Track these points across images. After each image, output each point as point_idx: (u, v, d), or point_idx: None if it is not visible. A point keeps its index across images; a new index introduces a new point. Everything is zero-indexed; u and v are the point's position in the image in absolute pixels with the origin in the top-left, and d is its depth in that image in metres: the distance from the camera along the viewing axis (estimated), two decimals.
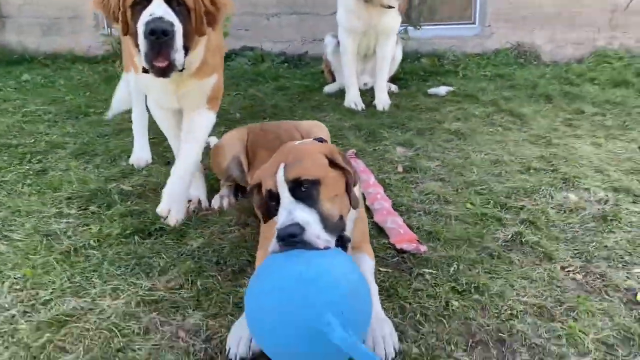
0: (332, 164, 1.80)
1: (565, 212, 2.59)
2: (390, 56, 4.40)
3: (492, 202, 2.69)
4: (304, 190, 1.70)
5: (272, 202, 1.77)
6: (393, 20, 4.21)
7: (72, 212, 2.60)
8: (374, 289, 1.87)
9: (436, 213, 2.60)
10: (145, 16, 2.12)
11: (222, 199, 2.73)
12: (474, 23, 6.27)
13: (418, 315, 1.88)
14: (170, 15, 2.14)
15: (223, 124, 3.79)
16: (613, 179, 2.92)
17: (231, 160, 2.64)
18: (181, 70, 2.28)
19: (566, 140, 3.52)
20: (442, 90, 4.62)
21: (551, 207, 2.63)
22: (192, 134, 2.59)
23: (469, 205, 2.66)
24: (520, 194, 2.77)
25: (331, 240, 1.67)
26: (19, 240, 2.33)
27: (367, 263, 1.98)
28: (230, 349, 1.67)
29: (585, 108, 4.15)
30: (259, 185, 1.88)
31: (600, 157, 3.23)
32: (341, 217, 1.76)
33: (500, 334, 1.79)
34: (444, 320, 1.85)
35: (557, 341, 1.75)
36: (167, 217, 2.47)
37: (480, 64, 5.63)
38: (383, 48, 4.32)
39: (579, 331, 1.77)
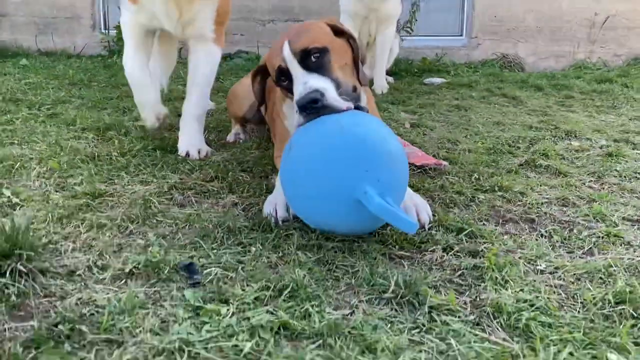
0: (336, 32, 1.78)
1: (571, 151, 2.70)
2: (389, 43, 4.56)
3: (500, 142, 2.78)
4: (315, 60, 1.67)
5: (282, 81, 1.74)
6: (393, 7, 4.39)
7: (90, 136, 2.59)
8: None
9: (449, 149, 2.68)
10: None
11: (237, 135, 2.76)
12: (461, 35, 6.55)
13: (447, 202, 1.92)
14: None
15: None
16: (610, 135, 3.05)
17: (249, 108, 2.59)
18: None
19: (561, 113, 3.67)
20: (437, 80, 4.79)
21: (556, 147, 2.73)
22: (200, 78, 2.52)
23: (479, 144, 2.75)
24: (526, 140, 2.87)
25: (351, 104, 1.63)
26: (40, 149, 2.31)
27: None
28: (269, 212, 1.67)
29: (575, 95, 4.34)
30: (263, 70, 1.86)
31: (595, 123, 3.37)
32: (355, 88, 1.72)
33: (528, 216, 1.83)
34: (473, 206, 1.90)
35: (584, 218, 1.81)
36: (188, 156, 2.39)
37: (469, 70, 5.85)
38: (383, 35, 4.49)
39: (605, 212, 1.84)
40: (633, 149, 2.78)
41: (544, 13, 6.34)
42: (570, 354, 1.04)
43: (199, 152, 2.39)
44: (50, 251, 1.39)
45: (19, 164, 2.07)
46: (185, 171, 2.14)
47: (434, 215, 1.74)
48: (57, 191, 1.86)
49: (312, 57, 1.66)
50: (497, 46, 6.39)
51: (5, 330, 1.06)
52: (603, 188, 2.14)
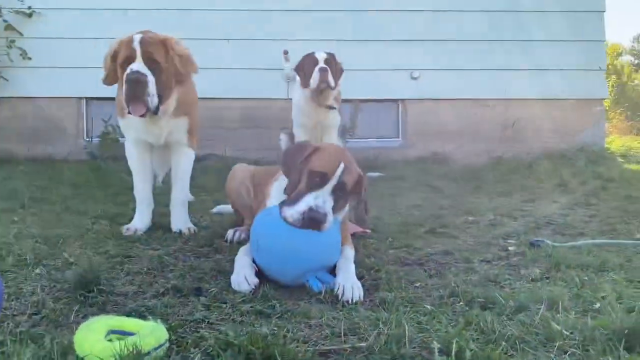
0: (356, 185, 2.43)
1: (466, 222, 3.67)
2: None
3: (413, 220, 3.73)
4: (339, 194, 2.31)
5: (315, 180, 2.27)
6: (334, 118, 5.51)
7: (104, 222, 3.41)
8: (352, 267, 2.34)
9: (375, 223, 3.60)
10: (127, 70, 2.93)
11: (236, 233, 3.08)
12: (398, 137, 7.75)
13: (367, 254, 2.81)
14: (144, 69, 2.93)
15: (202, 191, 4.77)
16: (500, 212, 4.05)
17: (240, 183, 3.17)
18: (155, 113, 3.02)
19: (468, 199, 4.69)
20: (374, 175, 5.84)
21: (456, 221, 3.70)
22: (181, 173, 3.42)
23: (398, 220, 3.70)
24: (434, 217, 3.84)
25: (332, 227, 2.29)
26: (72, 231, 3.12)
27: (349, 252, 2.47)
28: (239, 281, 2.20)
29: (482, 185, 5.42)
30: (314, 151, 2.37)
31: (492, 205, 4.39)
32: None
33: (420, 261, 2.74)
34: (384, 257, 2.79)
35: (456, 260, 2.73)
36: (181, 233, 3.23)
37: (404, 166, 6.94)
38: (328, 140, 5.56)
39: (469, 257, 2.76)
40: (512, 221, 3.78)
41: (464, 118, 7.63)
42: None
43: (189, 230, 3.25)
44: (110, 283, 2.20)
45: (62, 239, 2.89)
46: (183, 241, 2.98)
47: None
48: (96, 255, 2.66)
49: (339, 191, 2.31)
50: (429, 146, 7.57)
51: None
52: (477, 245, 3.07)
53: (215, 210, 3.99)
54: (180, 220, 3.32)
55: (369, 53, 7.45)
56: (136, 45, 2.97)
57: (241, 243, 2.97)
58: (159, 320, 1.66)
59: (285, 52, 7.19)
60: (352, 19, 7.50)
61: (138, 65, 2.96)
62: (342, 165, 2.29)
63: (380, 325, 1.73)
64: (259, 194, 2.98)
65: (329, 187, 2.27)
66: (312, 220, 2.20)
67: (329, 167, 2.29)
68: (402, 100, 7.69)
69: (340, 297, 2.10)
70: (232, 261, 2.53)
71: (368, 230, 3.26)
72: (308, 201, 2.23)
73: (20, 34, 7.32)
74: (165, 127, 3.27)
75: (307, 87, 5.24)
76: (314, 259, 2.28)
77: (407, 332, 1.61)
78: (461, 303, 2.03)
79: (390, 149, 7.52)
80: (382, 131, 7.80)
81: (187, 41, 3.27)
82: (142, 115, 3.01)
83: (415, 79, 7.58)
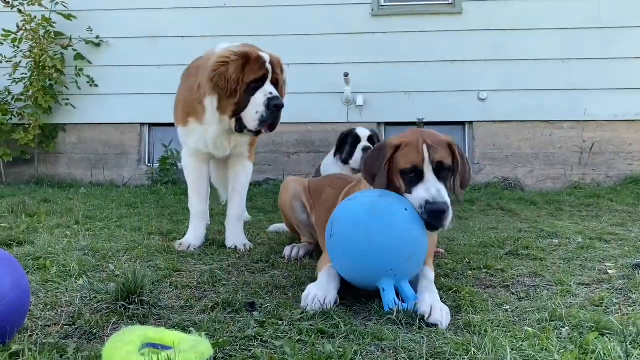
0: (453, 154, 2.10)
1: (551, 245, 3.25)
2: None
3: (490, 241, 3.34)
4: (444, 174, 2.02)
5: (412, 177, 2.01)
6: None
7: (157, 238, 3.23)
8: (436, 290, 1.99)
9: (447, 244, 3.25)
10: (266, 93, 2.81)
11: (294, 249, 2.83)
12: None
13: (441, 274, 2.47)
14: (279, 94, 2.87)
15: (260, 212, 4.55)
16: (588, 235, 3.59)
17: (293, 197, 2.95)
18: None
19: (550, 221, 4.25)
20: None
21: (539, 244, 3.29)
22: (239, 187, 3.21)
23: (473, 241, 3.32)
24: (514, 239, 3.43)
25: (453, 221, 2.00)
26: (122, 245, 2.94)
27: (430, 274, 2.12)
28: (315, 296, 1.89)
29: (564, 208, 4.95)
30: (392, 152, 2.07)
31: (577, 229, 3.93)
32: None
33: (505, 284, 2.37)
34: (462, 278, 2.44)
35: (547, 283, 2.34)
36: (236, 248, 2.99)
37: (472, 191, 6.53)
38: None
39: (564, 279, 2.37)
40: (605, 244, 3.32)
41: (537, 141, 7.14)
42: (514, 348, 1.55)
43: (244, 246, 3.01)
44: (155, 296, 1.97)
45: (110, 252, 2.71)
46: (237, 257, 2.74)
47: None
48: (144, 268, 2.45)
49: (441, 171, 2.02)
50: (498, 170, 7.13)
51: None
52: (569, 268, 2.67)
53: (271, 228, 3.75)
54: (235, 236, 3.09)
55: (433, 74, 7.17)
56: (269, 66, 2.83)
57: (299, 261, 2.73)
58: (203, 335, 1.39)
59: (346, 75, 7.00)
60: (415, 40, 7.26)
61: (273, 89, 2.84)
62: (425, 146, 2.00)
63: (473, 350, 1.39)
64: (321, 207, 2.73)
65: (429, 175, 1.99)
66: (434, 214, 1.92)
67: (416, 158, 2.00)
68: (470, 122, 7.30)
69: (426, 317, 1.75)
70: (289, 277, 2.30)
71: (441, 250, 2.91)
72: (421, 194, 1.96)
73: (90, 62, 7.49)
74: (233, 140, 3.12)
75: (346, 163, 4.67)
76: (396, 255, 1.89)
77: (509, 359, 1.27)
78: (566, 328, 1.66)
79: None
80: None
81: None
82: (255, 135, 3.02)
83: (482, 100, 7.20)
